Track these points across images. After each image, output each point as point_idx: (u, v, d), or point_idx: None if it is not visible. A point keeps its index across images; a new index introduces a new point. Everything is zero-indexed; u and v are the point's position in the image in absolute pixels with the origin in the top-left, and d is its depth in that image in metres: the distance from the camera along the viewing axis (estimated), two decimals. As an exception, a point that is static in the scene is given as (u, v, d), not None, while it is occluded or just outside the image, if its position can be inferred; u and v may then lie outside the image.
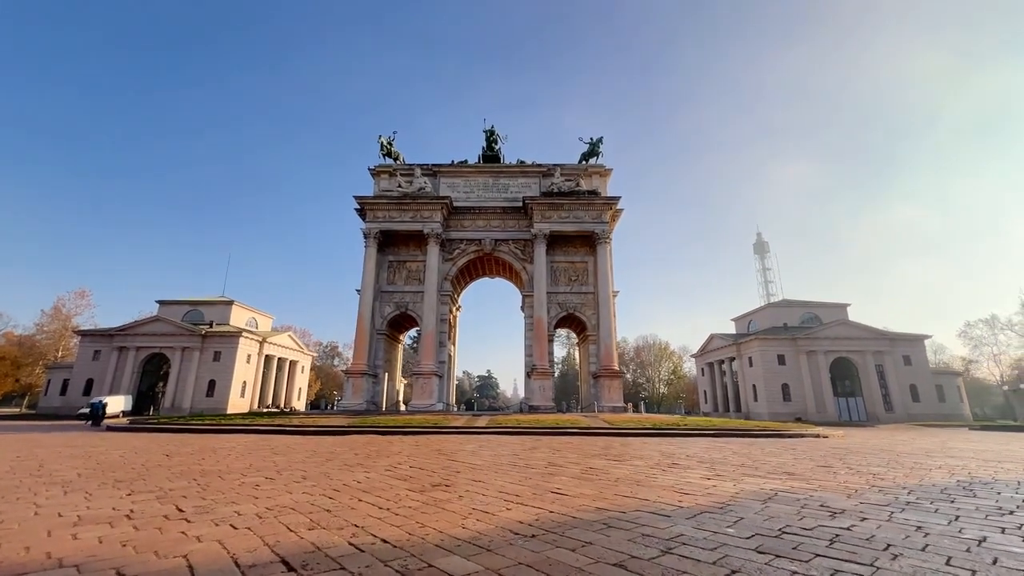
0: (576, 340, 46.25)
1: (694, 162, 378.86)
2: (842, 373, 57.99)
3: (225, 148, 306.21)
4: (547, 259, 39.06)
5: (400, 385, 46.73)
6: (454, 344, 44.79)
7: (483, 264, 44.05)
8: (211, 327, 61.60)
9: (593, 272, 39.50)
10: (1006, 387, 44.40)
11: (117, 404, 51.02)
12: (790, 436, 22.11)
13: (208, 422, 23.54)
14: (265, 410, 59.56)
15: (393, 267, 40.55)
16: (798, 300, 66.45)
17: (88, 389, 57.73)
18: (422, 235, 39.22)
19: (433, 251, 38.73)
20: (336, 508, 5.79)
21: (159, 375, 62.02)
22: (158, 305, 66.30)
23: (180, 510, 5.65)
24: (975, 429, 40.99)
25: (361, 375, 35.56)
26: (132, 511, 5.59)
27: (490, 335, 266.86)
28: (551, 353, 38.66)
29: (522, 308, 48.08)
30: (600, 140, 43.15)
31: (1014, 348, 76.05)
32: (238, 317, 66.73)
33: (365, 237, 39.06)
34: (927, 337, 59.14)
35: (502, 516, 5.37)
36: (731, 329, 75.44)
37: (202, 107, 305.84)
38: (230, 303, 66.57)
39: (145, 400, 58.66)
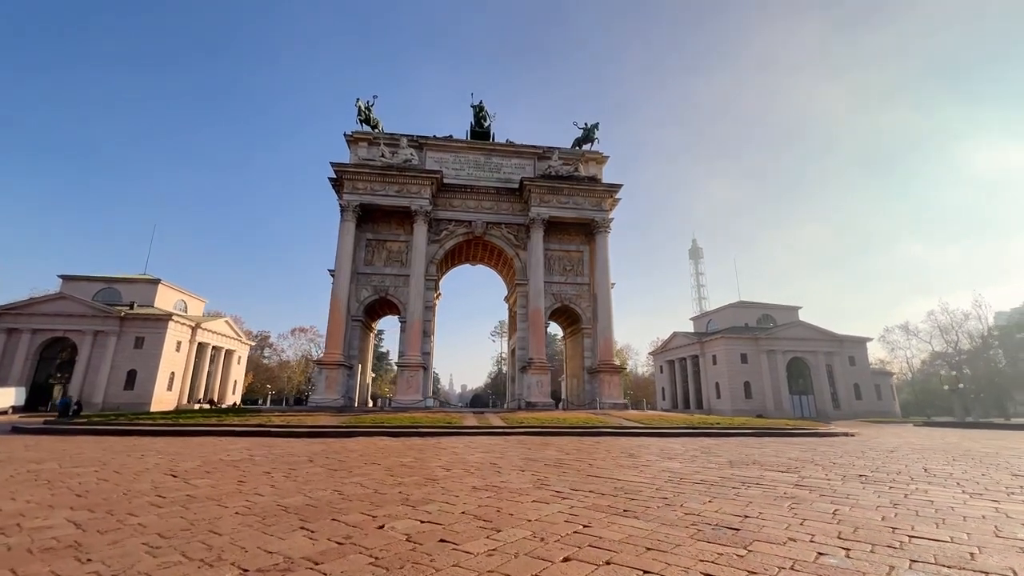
0: (564, 334, 44.25)
1: (629, 172, 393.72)
2: (795, 372, 61.09)
3: (148, 123, 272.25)
4: (543, 246, 36.59)
5: (369, 379, 42.16)
6: (434, 334, 41.04)
7: (469, 249, 40.71)
8: (132, 309, 52.67)
9: (590, 262, 37.61)
10: (946, 387, 48.46)
11: (7, 398, 41.99)
12: (825, 435, 21.53)
13: (162, 422, 18.65)
14: (198, 407, 51.94)
15: (371, 246, 36.15)
16: (755, 301, 69.21)
17: (-36, 379, 47.08)
18: (407, 212, 35.23)
19: (420, 231, 34.88)
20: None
21: (61, 364, 52.04)
22: (61, 281, 55.71)
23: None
24: (919, 426, 43.74)
25: (337, 367, 31.04)
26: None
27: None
28: (547, 345, 36.32)
29: (506, 299, 45.38)
30: (596, 125, 41.34)
31: (922, 352, 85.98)
32: (165, 299, 57.68)
33: (342, 211, 34.36)
34: (869, 339, 64.11)
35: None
36: (684, 328, 77.44)
37: (125, 81, 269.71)
38: (156, 282, 57.34)
39: (43, 393, 48.90)
